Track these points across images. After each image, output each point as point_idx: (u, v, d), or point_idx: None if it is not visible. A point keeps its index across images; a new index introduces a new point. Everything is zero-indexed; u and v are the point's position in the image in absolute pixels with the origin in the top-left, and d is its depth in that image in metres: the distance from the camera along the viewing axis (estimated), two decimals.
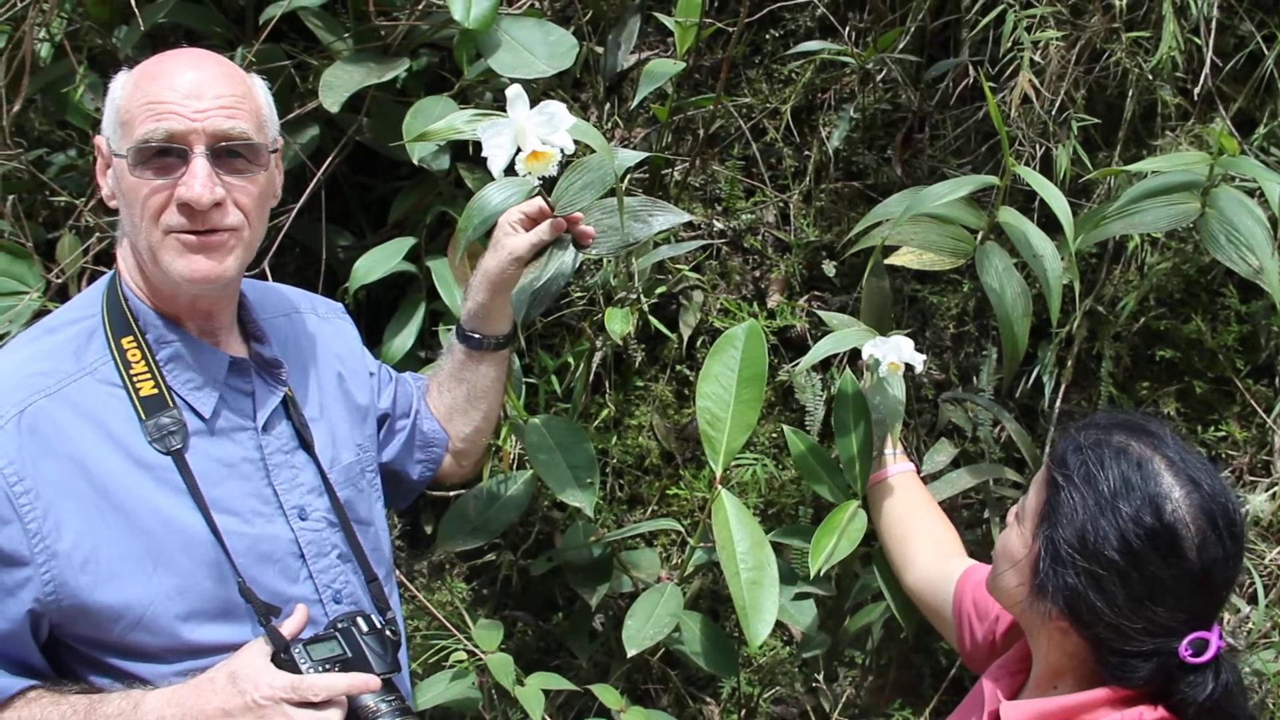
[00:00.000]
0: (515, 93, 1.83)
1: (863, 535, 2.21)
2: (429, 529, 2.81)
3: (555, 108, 1.84)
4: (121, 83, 1.73)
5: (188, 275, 1.69)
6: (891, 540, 2.19)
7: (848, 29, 2.85)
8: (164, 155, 1.66)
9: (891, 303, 2.35)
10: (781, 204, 2.92)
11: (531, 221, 2.01)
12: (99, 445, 1.67)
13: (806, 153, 2.90)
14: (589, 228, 2.02)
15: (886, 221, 2.26)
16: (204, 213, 1.67)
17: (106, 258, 2.71)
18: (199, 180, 1.65)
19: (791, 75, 2.93)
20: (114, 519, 1.65)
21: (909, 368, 2.21)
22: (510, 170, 1.87)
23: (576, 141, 1.89)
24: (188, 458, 1.70)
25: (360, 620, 1.74)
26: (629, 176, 2.85)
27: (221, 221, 1.69)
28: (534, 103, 1.86)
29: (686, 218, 2.13)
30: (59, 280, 2.58)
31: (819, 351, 2.22)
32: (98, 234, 2.64)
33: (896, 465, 2.23)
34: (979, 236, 2.26)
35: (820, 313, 2.44)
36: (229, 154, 1.69)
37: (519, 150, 1.84)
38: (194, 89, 1.67)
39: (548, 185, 2.00)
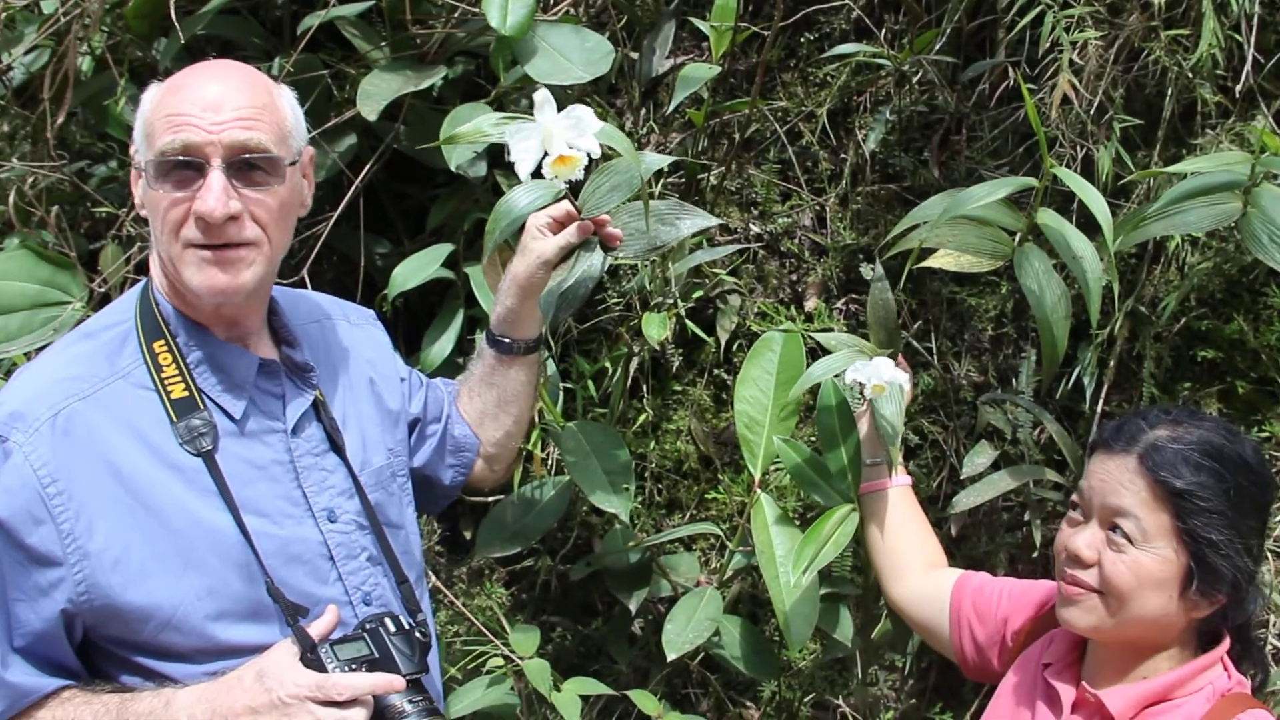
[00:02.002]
0: (542, 97, 1.84)
1: (849, 540, 2.18)
2: (468, 535, 2.82)
3: (582, 112, 1.85)
4: (150, 95, 1.74)
5: (204, 289, 1.70)
6: (884, 552, 2.19)
7: (883, 31, 2.84)
8: (182, 168, 1.67)
9: (896, 312, 2.33)
10: (818, 207, 2.91)
11: (559, 225, 2.02)
12: (131, 448, 1.68)
13: (843, 156, 2.89)
14: (616, 230, 2.02)
15: (924, 224, 2.25)
16: (219, 226, 1.67)
17: (146, 266, 2.74)
18: (213, 194, 1.65)
19: (827, 78, 2.92)
20: (145, 520, 1.67)
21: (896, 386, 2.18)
22: (538, 174, 1.88)
23: (604, 145, 1.89)
24: (218, 459, 1.71)
25: (388, 621, 1.74)
26: (663, 180, 2.86)
27: (238, 235, 1.69)
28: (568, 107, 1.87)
29: (714, 221, 2.12)
30: (102, 290, 2.61)
31: (812, 376, 2.19)
32: (139, 243, 2.68)
33: (897, 478, 2.22)
34: (1017, 238, 2.25)
35: (818, 335, 2.42)
36: (247, 166, 1.69)
37: (546, 154, 1.85)
38: (214, 101, 1.68)
39: (576, 189, 2.00)
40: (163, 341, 1.73)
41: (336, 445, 1.84)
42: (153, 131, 1.69)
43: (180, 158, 1.66)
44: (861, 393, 2.22)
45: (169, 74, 1.78)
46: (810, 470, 2.24)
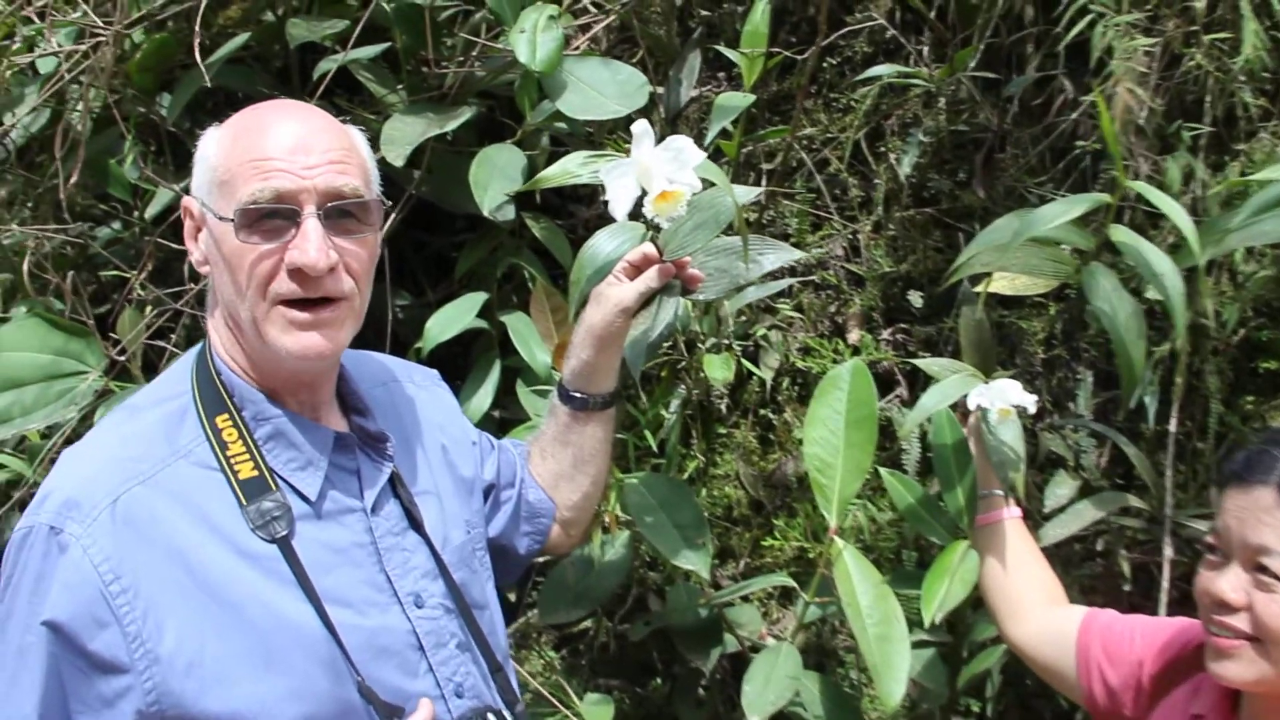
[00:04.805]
0: (641, 129, 1.69)
1: (975, 578, 2.07)
2: (512, 597, 2.68)
3: (683, 143, 1.71)
4: (215, 139, 1.58)
5: (297, 352, 1.54)
6: (1001, 589, 2.06)
7: (912, 51, 2.76)
8: (272, 217, 1.52)
9: (991, 334, 2.24)
10: (851, 235, 2.81)
11: (635, 270, 1.86)
12: (199, 535, 1.51)
13: (876, 181, 2.80)
14: (697, 271, 1.88)
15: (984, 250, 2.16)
16: (317, 279, 1.53)
17: (161, 333, 2.60)
18: (313, 244, 1.51)
19: (851, 104, 2.83)
20: (219, 616, 1.49)
21: (1022, 409, 2.09)
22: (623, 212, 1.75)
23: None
24: (294, 545, 1.55)
25: (490, 717, 1.61)
26: None
27: (335, 289, 1.55)
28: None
29: (798, 254, 1.99)
30: (122, 358, 2.45)
31: (925, 408, 2.08)
32: (155, 308, 2.52)
33: (1010, 510, 2.10)
34: (1071, 252, 2.15)
35: (916, 362, 2.31)
36: (340, 214, 1.54)
37: (645, 192, 1.71)
38: (300, 143, 1.53)
39: None
40: (226, 415, 1.57)
41: (416, 522, 1.67)
42: (231, 179, 1.53)
43: (271, 206, 1.51)
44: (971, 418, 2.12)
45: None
46: (923, 509, 2.14)
